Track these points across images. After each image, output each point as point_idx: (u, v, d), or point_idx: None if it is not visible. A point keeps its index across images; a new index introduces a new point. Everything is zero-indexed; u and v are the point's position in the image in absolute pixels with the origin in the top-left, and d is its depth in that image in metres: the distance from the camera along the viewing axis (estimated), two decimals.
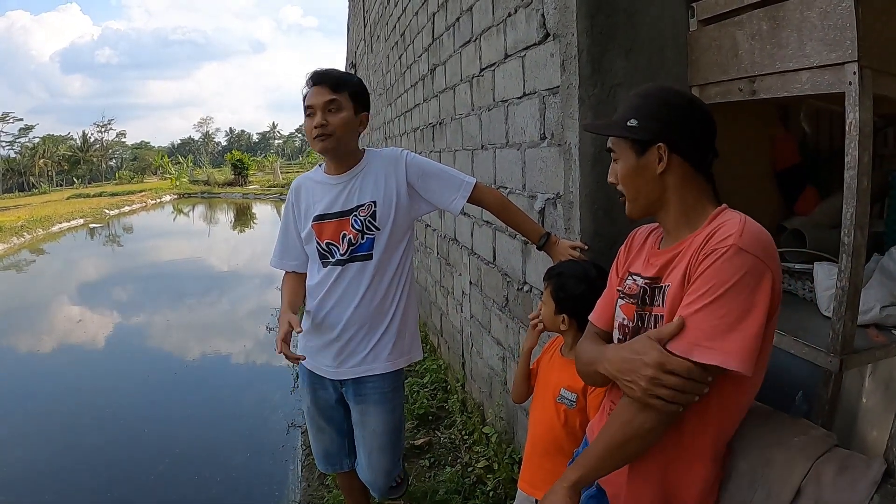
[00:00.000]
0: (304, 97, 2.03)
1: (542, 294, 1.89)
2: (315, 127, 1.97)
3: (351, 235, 2.03)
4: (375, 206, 2.03)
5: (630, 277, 1.38)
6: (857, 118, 1.46)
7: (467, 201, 2.10)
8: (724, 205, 1.28)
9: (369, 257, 2.04)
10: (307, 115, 2.01)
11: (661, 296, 1.24)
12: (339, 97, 1.98)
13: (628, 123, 1.29)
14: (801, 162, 2.47)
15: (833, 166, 2.51)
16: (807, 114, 2.45)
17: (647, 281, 1.30)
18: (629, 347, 1.19)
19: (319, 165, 2.18)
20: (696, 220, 1.26)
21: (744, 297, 1.08)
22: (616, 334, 1.39)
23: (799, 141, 2.50)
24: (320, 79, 2.01)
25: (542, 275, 1.92)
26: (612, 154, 1.36)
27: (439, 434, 3.73)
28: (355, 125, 2.04)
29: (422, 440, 3.62)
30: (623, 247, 1.49)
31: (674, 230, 1.30)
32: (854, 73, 1.46)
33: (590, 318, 1.51)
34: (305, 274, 2.21)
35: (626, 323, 1.35)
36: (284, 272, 2.25)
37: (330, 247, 2.06)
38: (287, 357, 1.96)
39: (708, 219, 1.24)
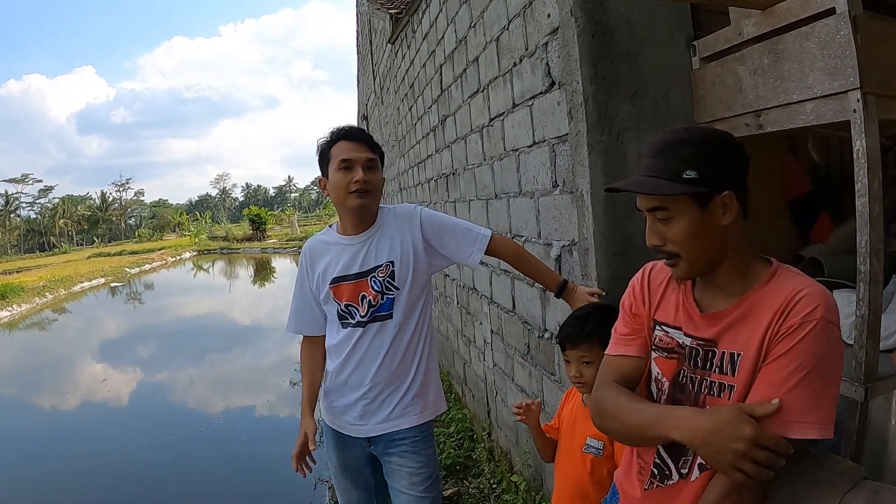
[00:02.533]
0: (329, 149, 2.01)
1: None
2: (356, 181, 1.94)
3: (370, 297, 2.01)
4: (394, 266, 2.01)
5: (660, 328, 1.30)
6: (864, 145, 1.47)
7: (484, 254, 2.09)
8: (772, 259, 1.20)
9: (389, 317, 2.02)
10: (342, 169, 1.96)
11: (726, 363, 1.16)
12: (376, 157, 2.02)
13: (685, 175, 1.12)
14: (812, 190, 2.48)
15: (844, 192, 2.53)
16: (815, 142, 2.48)
17: (698, 342, 1.21)
18: (714, 418, 1.07)
19: (330, 226, 2.17)
20: (749, 275, 1.18)
21: (832, 369, 1.08)
22: (653, 388, 1.32)
23: (809, 169, 2.52)
24: (359, 135, 2.02)
25: (561, 323, 1.86)
26: (657, 213, 1.18)
27: (467, 484, 3.67)
28: (382, 187, 2.07)
29: (450, 490, 3.56)
30: (640, 283, 1.36)
31: (726, 285, 1.20)
32: (858, 100, 1.47)
33: (610, 354, 1.36)
34: (323, 339, 2.17)
35: (661, 379, 1.28)
36: (302, 337, 2.22)
37: (349, 308, 2.04)
38: (301, 469, 2.11)
39: (765, 277, 1.16)
